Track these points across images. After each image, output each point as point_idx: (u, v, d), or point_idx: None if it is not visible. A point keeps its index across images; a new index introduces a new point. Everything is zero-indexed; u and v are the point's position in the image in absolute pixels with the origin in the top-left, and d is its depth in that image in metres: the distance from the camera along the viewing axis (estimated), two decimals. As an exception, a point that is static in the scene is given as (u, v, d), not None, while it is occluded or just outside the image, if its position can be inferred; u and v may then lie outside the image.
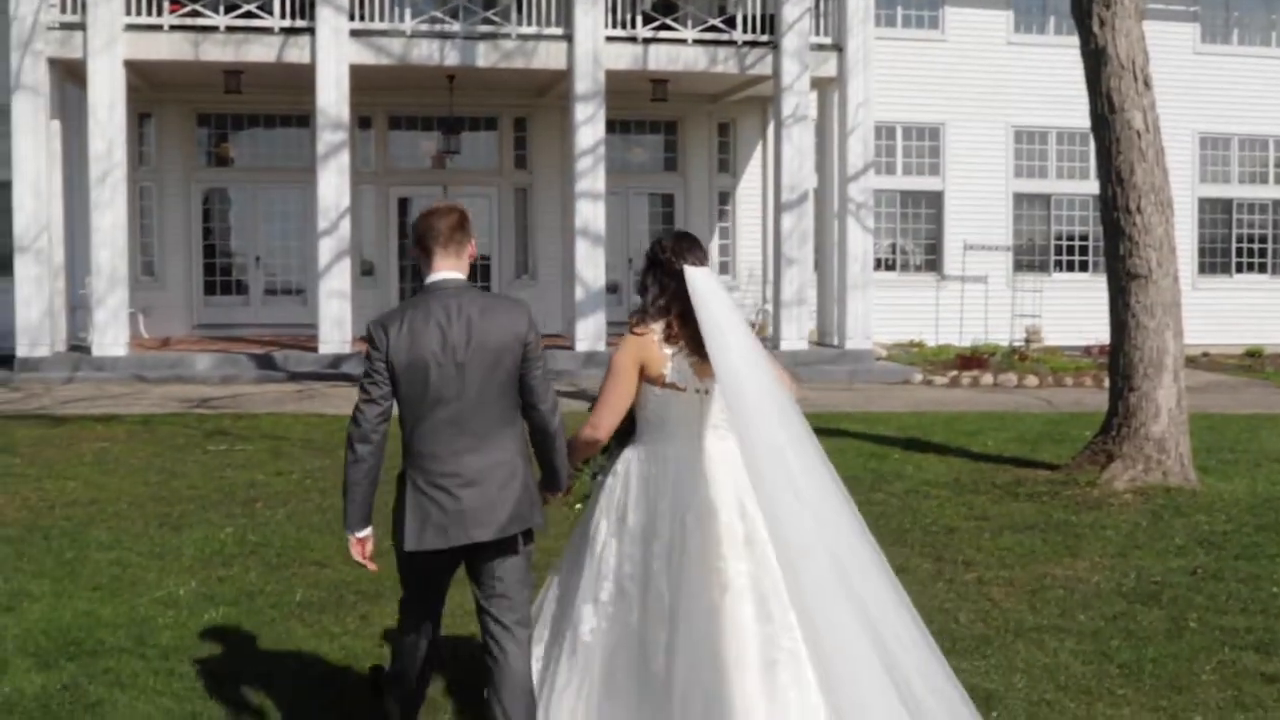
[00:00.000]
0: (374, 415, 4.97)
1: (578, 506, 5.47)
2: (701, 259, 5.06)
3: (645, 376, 5.04)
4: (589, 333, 21.28)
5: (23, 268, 20.24)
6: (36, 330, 20.25)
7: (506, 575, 5.09)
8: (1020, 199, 26.64)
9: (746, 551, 4.89)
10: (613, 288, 24.65)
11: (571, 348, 21.36)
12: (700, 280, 4.95)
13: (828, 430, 14.74)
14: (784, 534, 4.57)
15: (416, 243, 5.12)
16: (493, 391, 4.97)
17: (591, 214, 21.30)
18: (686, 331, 4.98)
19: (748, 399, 4.71)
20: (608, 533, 5.09)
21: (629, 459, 5.16)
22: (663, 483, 5.03)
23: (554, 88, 23.61)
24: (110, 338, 20.37)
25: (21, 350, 20.21)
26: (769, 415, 4.70)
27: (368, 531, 5.10)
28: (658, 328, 5.05)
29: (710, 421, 5.07)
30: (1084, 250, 26.82)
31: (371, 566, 5.19)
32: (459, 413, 4.96)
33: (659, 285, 5.08)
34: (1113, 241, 12.16)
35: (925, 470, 12.40)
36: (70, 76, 21.34)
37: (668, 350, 5.03)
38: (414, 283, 25.08)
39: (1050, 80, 25.12)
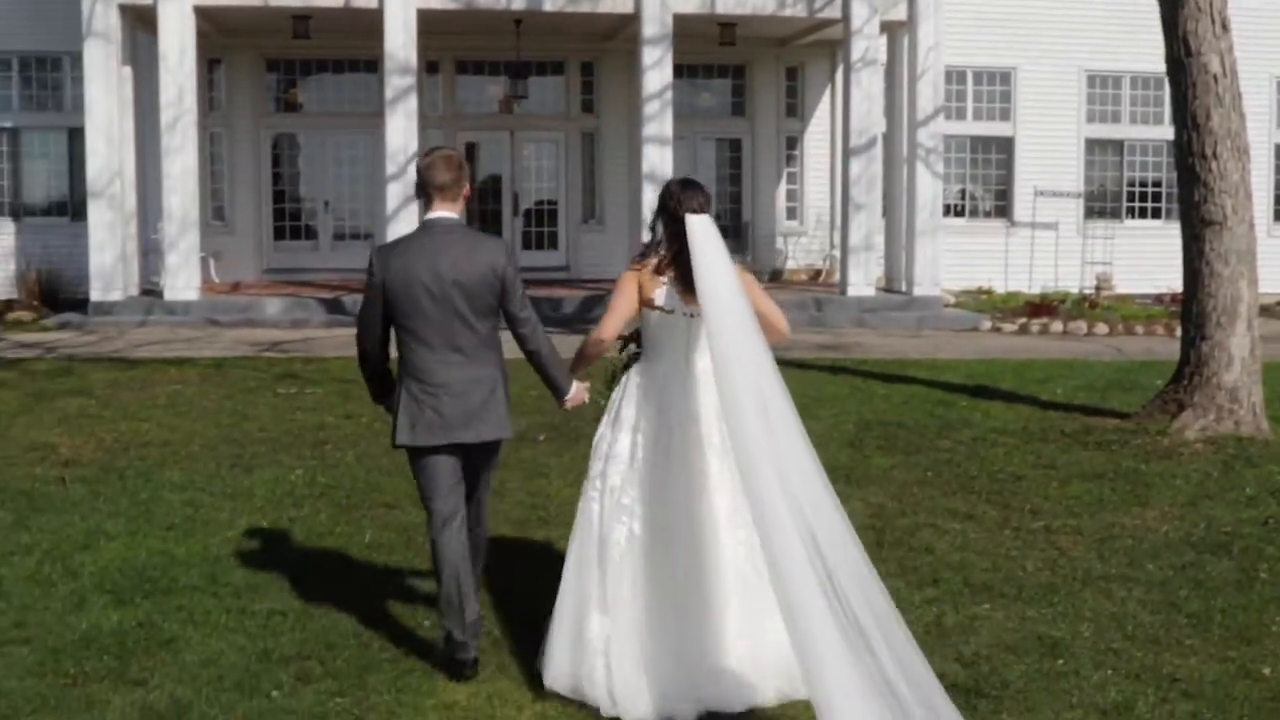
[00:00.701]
0: (369, 331, 6.07)
1: (601, 403, 6.20)
2: (703, 206, 5.80)
3: (641, 300, 5.86)
4: (655, 278, 21.22)
5: (96, 213, 20.45)
6: (110, 275, 20.49)
7: (483, 469, 6.19)
8: (1092, 144, 26.26)
9: (724, 456, 5.66)
10: (679, 233, 24.57)
11: (638, 293, 21.34)
12: (699, 227, 5.69)
13: (894, 377, 14.69)
14: (744, 446, 5.16)
15: (419, 186, 6.02)
16: (475, 315, 5.90)
17: (659, 159, 21.21)
18: (678, 268, 5.77)
19: (727, 334, 5.37)
20: (605, 425, 5.96)
21: (631, 375, 6.01)
22: (652, 392, 5.88)
23: (621, 31, 23.50)
24: (182, 282, 20.57)
25: (95, 294, 20.47)
26: (743, 349, 5.34)
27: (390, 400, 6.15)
28: (652, 262, 5.88)
29: (698, 343, 5.85)
30: (1157, 197, 26.45)
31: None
32: (446, 333, 5.88)
33: (665, 228, 5.87)
34: (1187, 188, 11.99)
35: (993, 418, 12.33)
36: (141, 23, 21.46)
37: (659, 279, 5.83)
38: (479, 227, 25.13)
39: (1124, 23, 24.71)
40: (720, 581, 5.70)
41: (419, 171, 6.02)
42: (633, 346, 6.12)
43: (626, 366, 6.10)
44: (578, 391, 6.18)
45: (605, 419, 5.99)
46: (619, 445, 5.86)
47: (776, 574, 4.97)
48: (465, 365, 5.92)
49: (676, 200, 5.82)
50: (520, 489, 9.39)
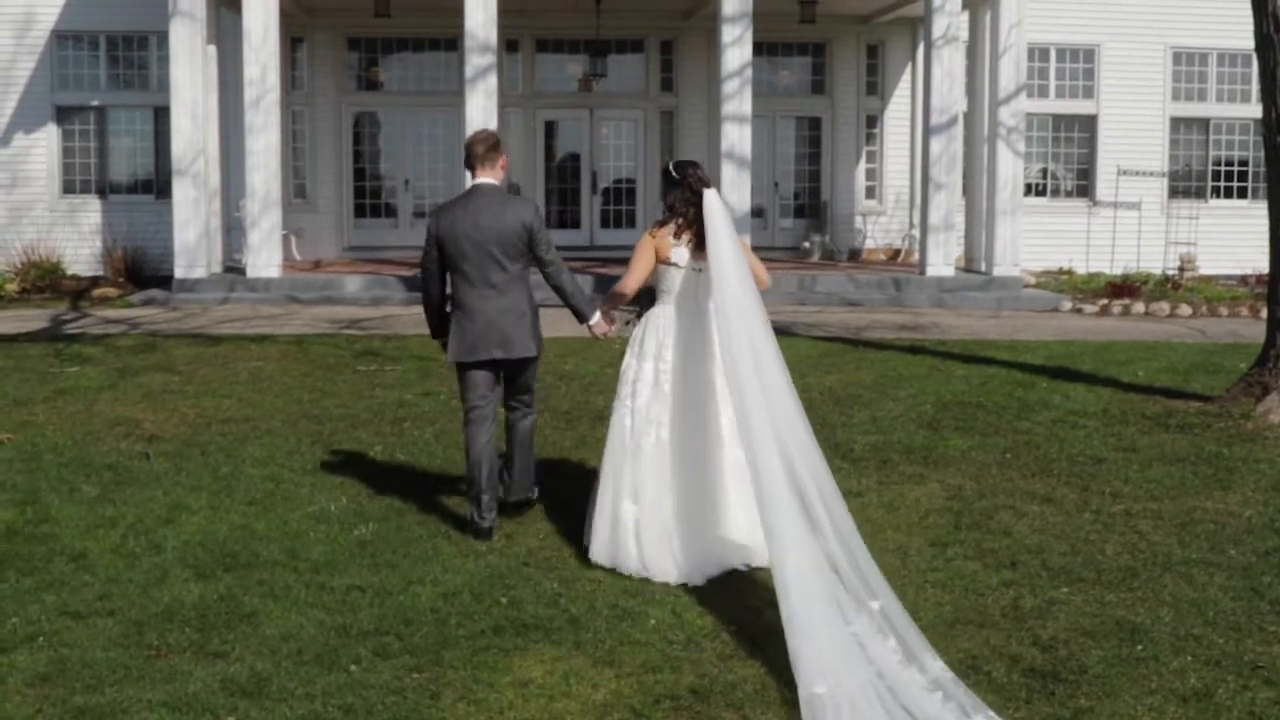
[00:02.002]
0: (428, 275, 7.74)
1: (616, 345, 7.63)
2: (710, 182, 7.29)
3: (659, 259, 7.37)
4: (733, 257, 21.08)
5: (180, 191, 20.67)
6: (193, 252, 20.72)
7: (519, 379, 7.89)
8: (1177, 123, 25.86)
9: (732, 384, 6.77)
10: (758, 212, 24.48)
11: (715, 272, 21.24)
12: (713, 200, 7.09)
13: (973, 358, 14.58)
14: (736, 366, 6.49)
15: (466, 159, 7.74)
16: (506, 259, 7.58)
17: (738, 137, 21.14)
18: (694, 231, 7.24)
19: (730, 284, 6.73)
20: (631, 357, 7.44)
21: (650, 314, 7.50)
22: (670, 326, 7.39)
23: (701, 9, 23.43)
24: (264, 259, 20.79)
25: (179, 271, 20.71)
26: (741, 297, 6.67)
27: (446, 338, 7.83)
28: (670, 228, 7.36)
29: (705, 290, 7.27)
30: (1243, 176, 26.02)
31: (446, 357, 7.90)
32: (484, 272, 7.57)
33: (683, 199, 7.30)
34: (1275, 167, 11.78)
35: (1073, 400, 12.20)
36: (225, 2, 21.69)
37: (674, 241, 7.33)
38: (558, 205, 25.33)
39: (1212, -1, 24.40)
40: (724, 475, 7.22)
41: (465, 148, 7.79)
42: (636, 315, 7.63)
43: (630, 324, 7.65)
44: (599, 320, 7.77)
45: (630, 352, 7.48)
46: (644, 372, 7.36)
47: (755, 469, 6.16)
48: (499, 298, 7.60)
49: (695, 178, 7.28)
50: (598, 466, 9.41)
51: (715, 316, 6.96)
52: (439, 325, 7.88)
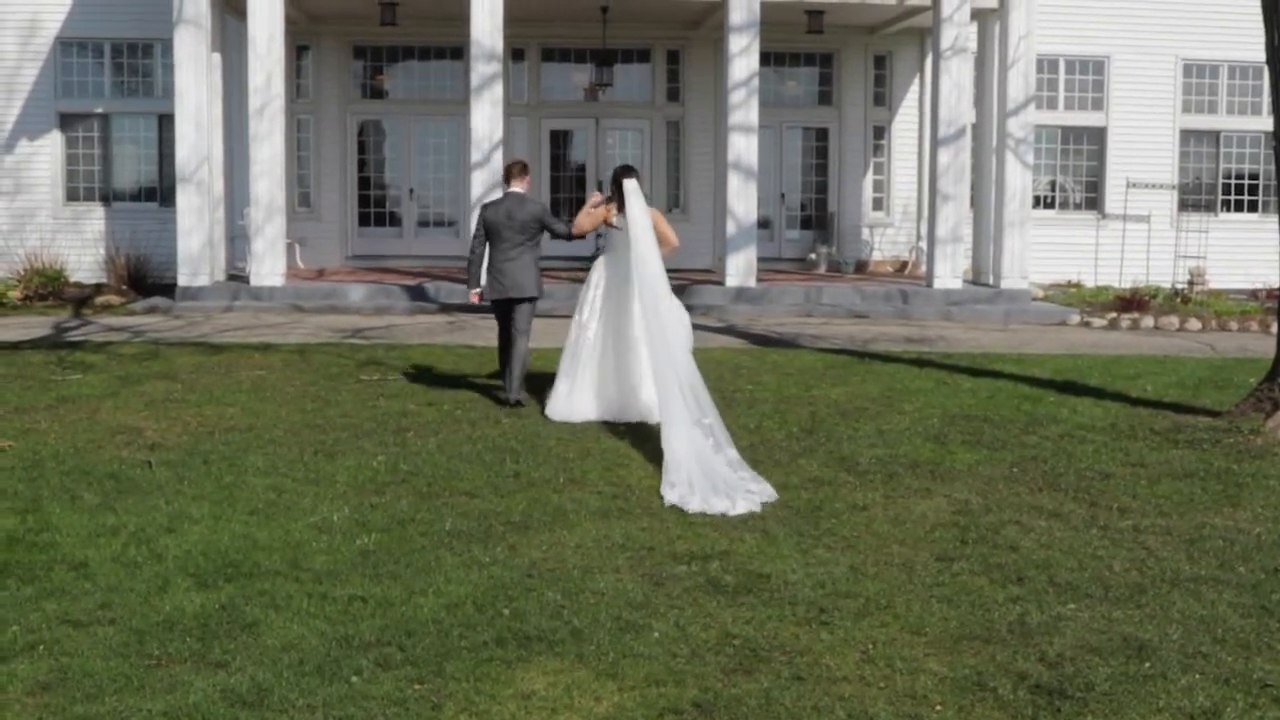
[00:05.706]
0: (477, 246, 12.24)
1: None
2: (634, 175, 11.47)
3: (605, 223, 11.64)
4: (739, 268, 21.03)
5: (184, 198, 20.67)
6: (197, 260, 20.71)
7: (521, 315, 12.16)
8: (1187, 135, 25.80)
9: (639, 305, 11.01)
10: (764, 223, 24.43)
11: (721, 283, 21.18)
12: (630, 186, 11.31)
13: (980, 371, 14.52)
14: (646, 296, 10.74)
15: (504, 177, 12.42)
16: (523, 238, 12.00)
17: (744, 148, 21.10)
18: (620, 205, 11.36)
19: (641, 240, 10.99)
20: (584, 288, 11.79)
21: (597, 260, 11.94)
22: (609, 269, 11.66)
23: (708, 19, 23.42)
24: (267, 268, 20.76)
25: (183, 279, 20.70)
26: (648, 249, 10.93)
27: (480, 289, 12.36)
28: (614, 204, 11.45)
29: (625, 243, 11.21)
30: (1254, 190, 25.95)
31: (478, 301, 12.70)
32: (507, 244, 11.98)
33: (615, 188, 11.45)
34: (1284, 181, 11.73)
35: (1081, 414, 12.14)
36: (230, 9, 21.69)
37: (615, 212, 11.48)
38: (565, 215, 25.16)
39: (1223, 11, 24.29)
40: (637, 367, 11.33)
41: (504, 169, 12.55)
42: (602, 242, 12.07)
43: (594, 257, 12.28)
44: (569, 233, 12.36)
45: (584, 286, 11.78)
46: (589, 297, 11.67)
47: (655, 360, 10.31)
48: (515, 260, 12.01)
49: (621, 175, 11.44)
50: (601, 479, 9.37)
51: (635, 264, 10.90)
52: (475, 276, 12.28)
